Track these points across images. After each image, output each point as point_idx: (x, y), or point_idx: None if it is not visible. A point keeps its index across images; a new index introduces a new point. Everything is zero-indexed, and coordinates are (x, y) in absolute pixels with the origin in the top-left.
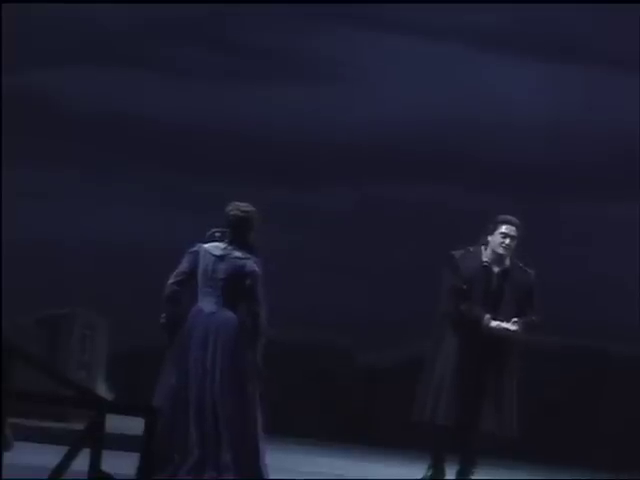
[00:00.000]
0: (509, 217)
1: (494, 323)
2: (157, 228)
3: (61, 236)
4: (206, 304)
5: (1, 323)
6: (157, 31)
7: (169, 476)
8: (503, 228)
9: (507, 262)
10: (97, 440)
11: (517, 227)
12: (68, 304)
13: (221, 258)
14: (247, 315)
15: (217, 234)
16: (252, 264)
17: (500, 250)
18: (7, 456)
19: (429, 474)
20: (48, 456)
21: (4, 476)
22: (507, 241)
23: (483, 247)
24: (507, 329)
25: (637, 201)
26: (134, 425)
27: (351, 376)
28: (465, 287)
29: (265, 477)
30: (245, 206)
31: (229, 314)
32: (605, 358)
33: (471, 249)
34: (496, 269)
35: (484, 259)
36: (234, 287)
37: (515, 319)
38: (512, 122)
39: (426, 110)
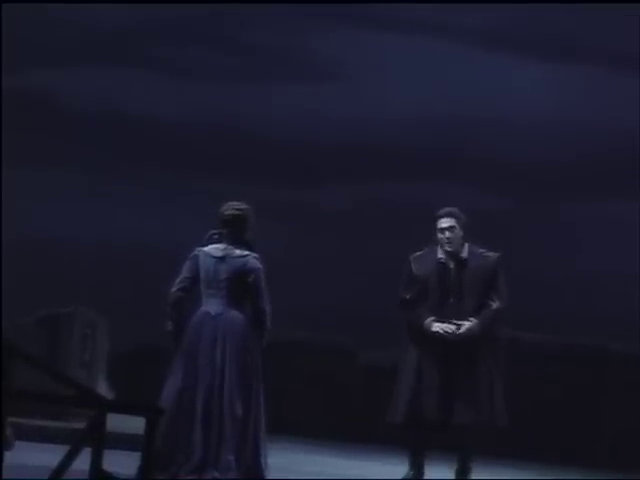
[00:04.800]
0: (444, 210)
1: (435, 325)
2: (157, 227)
3: (61, 235)
4: (211, 306)
5: (1, 322)
6: (157, 31)
7: (171, 476)
8: (439, 223)
9: (464, 254)
10: (98, 439)
11: (454, 216)
12: (69, 303)
13: (222, 259)
14: (253, 312)
15: (215, 236)
16: (253, 261)
17: (446, 246)
18: (8, 455)
19: (411, 474)
20: (49, 455)
21: (5, 475)
22: (447, 234)
23: (439, 245)
24: (450, 330)
25: (637, 199)
26: (135, 424)
27: (352, 375)
28: (409, 297)
29: (265, 475)
30: (239, 204)
31: (236, 314)
32: (605, 356)
33: (427, 249)
34: (452, 264)
35: (439, 256)
36: (238, 286)
37: (471, 319)
38: (512, 121)
39: (426, 109)
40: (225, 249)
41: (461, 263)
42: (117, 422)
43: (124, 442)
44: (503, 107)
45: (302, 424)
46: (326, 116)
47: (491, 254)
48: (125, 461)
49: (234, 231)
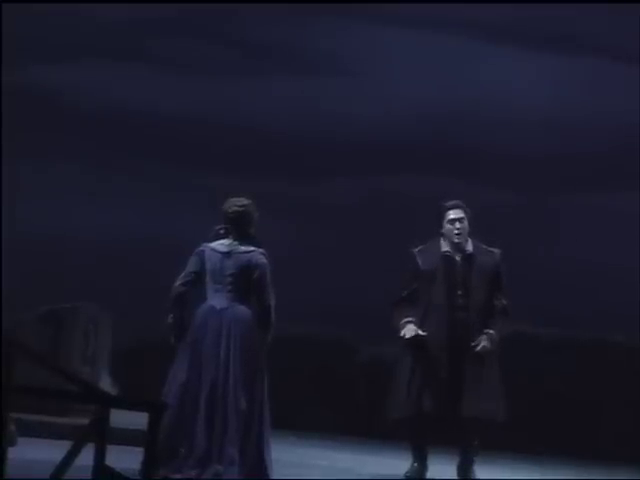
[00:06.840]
0: (451, 202)
1: (407, 328)
2: (159, 222)
3: (63, 231)
4: (217, 301)
5: (3, 319)
6: (157, 26)
7: (174, 471)
8: (449, 215)
9: (469, 247)
10: (101, 435)
11: (462, 208)
12: (71, 299)
13: (227, 254)
14: (258, 307)
15: (221, 231)
16: (259, 256)
17: (455, 238)
18: (11, 451)
19: (414, 468)
20: (52, 451)
21: (8, 471)
22: (457, 225)
23: (442, 238)
24: (409, 335)
25: (637, 192)
26: (138, 420)
27: (354, 370)
28: (406, 294)
29: (269, 472)
30: (241, 200)
31: (241, 308)
32: (605, 349)
33: (429, 242)
34: (458, 257)
35: (444, 249)
36: (243, 281)
37: (487, 331)
38: (514, 115)
39: (427, 103)
40: (231, 245)
41: (467, 257)
42: (120, 418)
43: (127, 438)
44: (505, 101)
45: (303, 419)
46: (327, 111)
47: (494, 250)
48: (128, 457)
49: (238, 227)
